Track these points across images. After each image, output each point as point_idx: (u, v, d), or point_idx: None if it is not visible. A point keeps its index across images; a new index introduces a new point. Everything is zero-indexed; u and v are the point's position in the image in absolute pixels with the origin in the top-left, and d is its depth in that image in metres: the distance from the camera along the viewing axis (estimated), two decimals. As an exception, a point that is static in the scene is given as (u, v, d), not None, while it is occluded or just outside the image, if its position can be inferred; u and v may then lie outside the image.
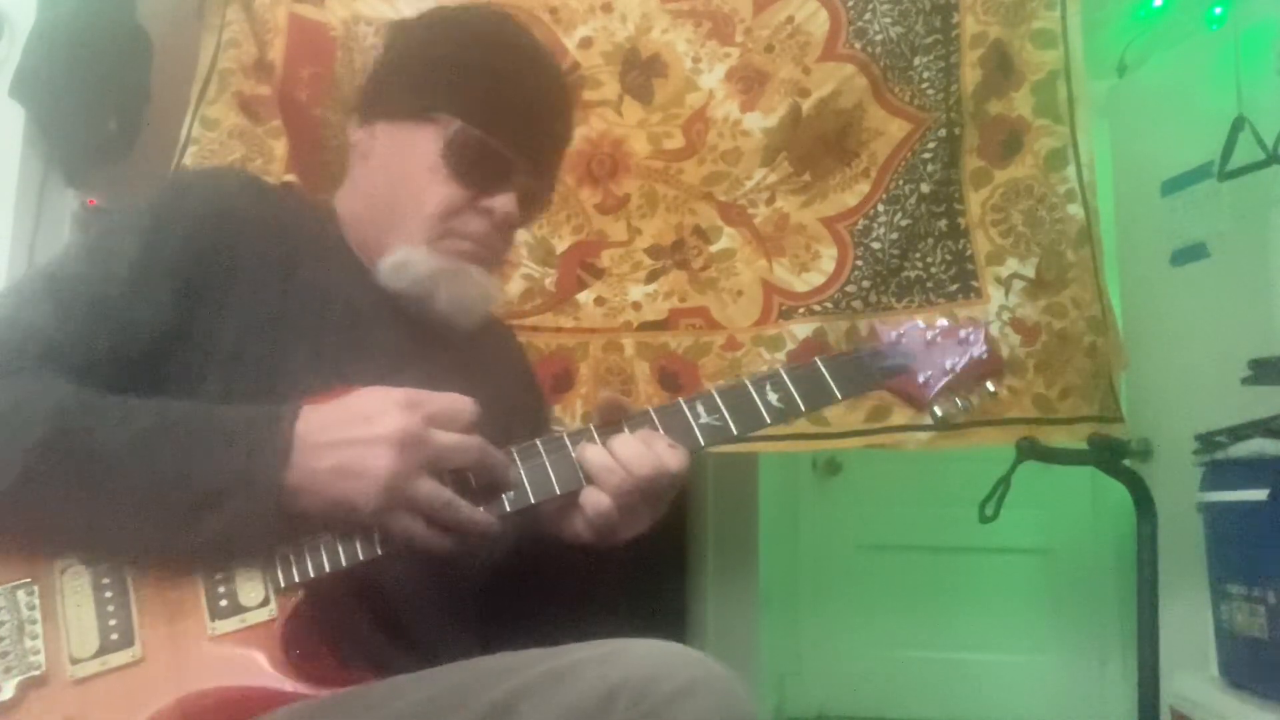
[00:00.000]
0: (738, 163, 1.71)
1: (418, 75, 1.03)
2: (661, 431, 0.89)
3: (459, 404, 0.85)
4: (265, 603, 0.81)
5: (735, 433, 0.90)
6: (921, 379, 0.98)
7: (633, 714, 0.64)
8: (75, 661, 0.79)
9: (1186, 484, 1.74)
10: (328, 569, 0.82)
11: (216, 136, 1.67)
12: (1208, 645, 1.70)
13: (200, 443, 0.80)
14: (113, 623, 0.80)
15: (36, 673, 0.78)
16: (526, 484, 0.86)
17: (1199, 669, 1.74)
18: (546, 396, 1.30)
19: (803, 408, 0.92)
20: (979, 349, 1.00)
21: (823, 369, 0.93)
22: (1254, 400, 1.63)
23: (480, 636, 0.96)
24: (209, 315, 0.91)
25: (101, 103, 1.63)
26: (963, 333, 1.01)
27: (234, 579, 0.82)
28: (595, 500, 0.86)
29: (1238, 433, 1.62)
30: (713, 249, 1.72)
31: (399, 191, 1.01)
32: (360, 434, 0.80)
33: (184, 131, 1.67)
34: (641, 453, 0.86)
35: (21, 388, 0.80)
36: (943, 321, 1.02)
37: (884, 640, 3.04)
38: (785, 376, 0.92)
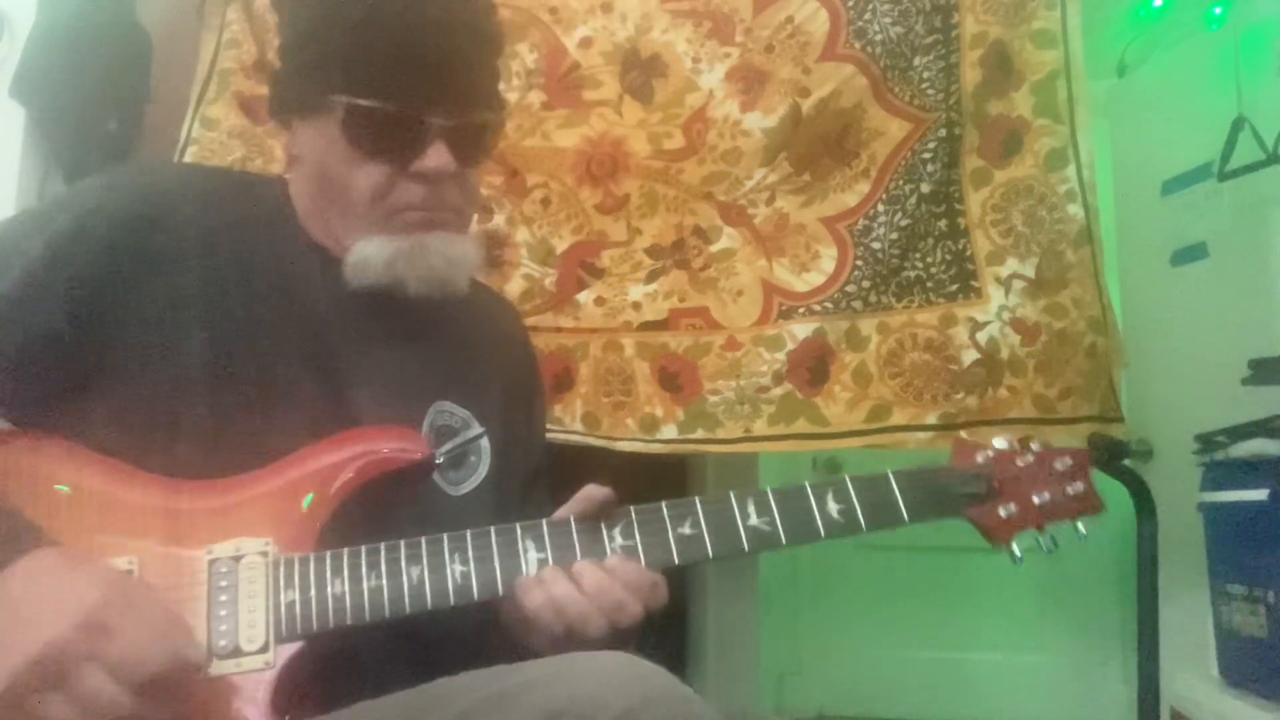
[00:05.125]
0: (738, 163, 1.71)
1: (302, 62, 0.96)
2: (706, 526, 0.85)
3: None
4: (264, 649, 0.79)
5: (784, 542, 0.86)
6: (1004, 513, 0.90)
7: None
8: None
9: (1186, 484, 1.74)
10: (332, 624, 0.81)
11: (216, 136, 1.67)
12: (1208, 645, 1.70)
13: None
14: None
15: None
16: (473, 580, 0.84)
17: (1199, 669, 1.73)
18: (546, 392, 1.29)
19: (864, 524, 0.86)
20: (1075, 485, 0.90)
21: (893, 484, 0.87)
22: (1254, 400, 1.63)
23: None
24: (141, 326, 0.89)
25: (101, 103, 1.63)
26: (1058, 463, 0.91)
27: (237, 615, 0.80)
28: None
29: (1238, 433, 1.61)
30: (713, 249, 1.72)
31: (331, 189, 0.97)
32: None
33: (184, 131, 1.67)
34: (604, 584, 0.83)
35: None
36: (1036, 445, 0.91)
37: (884, 640, 3.04)
38: (850, 486, 0.87)
